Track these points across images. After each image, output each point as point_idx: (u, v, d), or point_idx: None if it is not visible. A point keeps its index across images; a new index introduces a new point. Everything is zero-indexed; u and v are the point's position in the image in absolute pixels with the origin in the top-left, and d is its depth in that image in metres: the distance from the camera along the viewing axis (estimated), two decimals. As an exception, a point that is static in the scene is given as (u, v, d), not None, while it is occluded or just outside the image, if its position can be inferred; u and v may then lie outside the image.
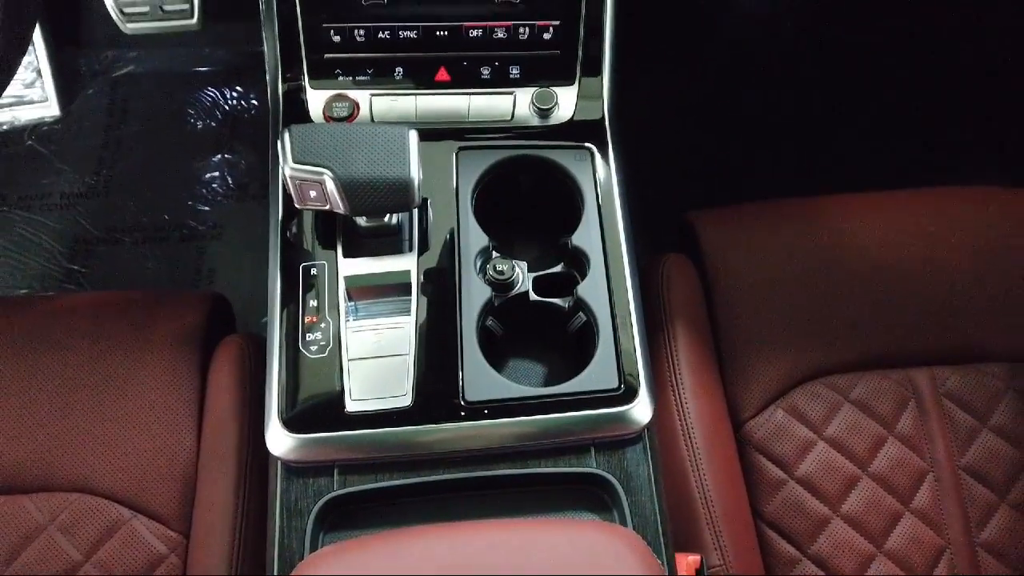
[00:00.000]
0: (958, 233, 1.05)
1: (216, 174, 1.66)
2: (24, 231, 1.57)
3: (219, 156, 1.66)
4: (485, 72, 0.89)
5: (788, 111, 1.69)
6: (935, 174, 1.52)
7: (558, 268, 0.83)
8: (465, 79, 0.89)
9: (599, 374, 0.76)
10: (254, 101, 1.74)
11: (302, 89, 0.90)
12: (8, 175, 1.63)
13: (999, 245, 1.04)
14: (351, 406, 0.74)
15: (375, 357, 0.76)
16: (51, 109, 1.69)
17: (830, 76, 1.72)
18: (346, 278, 0.79)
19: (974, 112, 1.67)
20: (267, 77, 0.92)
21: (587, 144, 0.88)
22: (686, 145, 1.65)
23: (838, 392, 0.97)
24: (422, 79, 0.89)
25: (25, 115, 1.68)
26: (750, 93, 1.71)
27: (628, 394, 0.75)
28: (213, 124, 1.72)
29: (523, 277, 0.81)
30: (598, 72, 0.89)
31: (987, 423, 0.97)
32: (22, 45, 0.67)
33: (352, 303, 0.79)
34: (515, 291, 0.80)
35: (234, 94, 1.74)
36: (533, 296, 0.81)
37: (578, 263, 0.82)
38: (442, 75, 0.90)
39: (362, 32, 0.89)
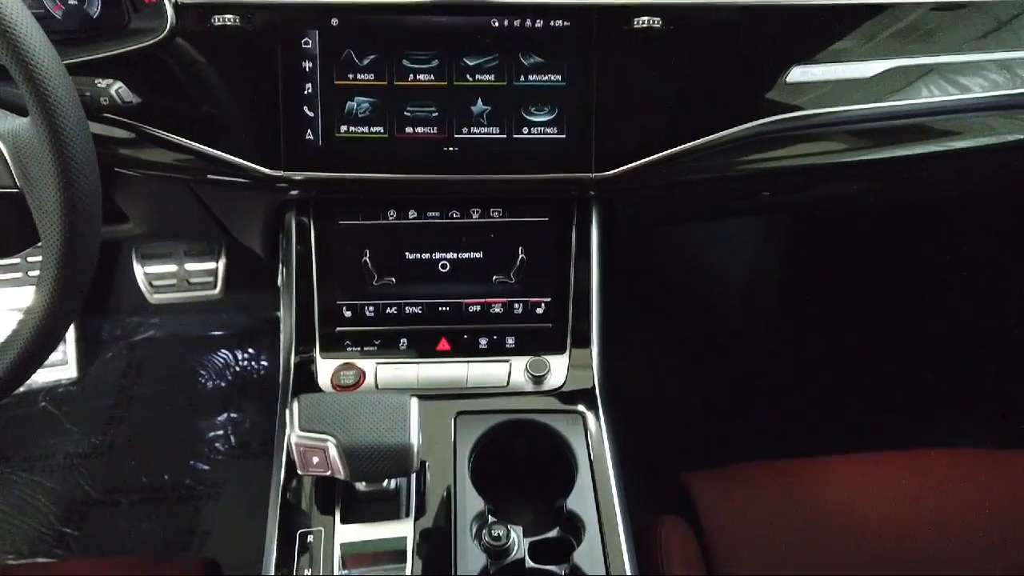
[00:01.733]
0: (954, 497, 1.06)
1: (220, 432, 1.70)
2: (23, 493, 1.58)
3: (225, 415, 1.71)
4: (483, 343, 0.97)
5: (775, 366, 1.77)
6: (922, 431, 1.56)
7: (554, 533, 0.84)
8: (464, 349, 0.97)
9: None
10: (264, 362, 1.83)
11: (313, 360, 0.96)
12: (17, 436, 1.66)
13: (997, 510, 1.05)
14: None
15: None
16: (69, 371, 1.77)
17: (812, 331, 1.82)
18: (342, 545, 0.80)
19: (959, 369, 1.74)
20: (281, 349, 0.99)
21: (579, 409, 0.93)
22: (678, 404, 1.71)
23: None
24: (424, 349, 0.97)
25: (43, 377, 1.76)
26: (738, 348, 1.81)
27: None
28: (223, 384, 1.79)
29: (519, 543, 0.81)
30: (587, 344, 0.97)
31: None
32: (71, 318, 0.75)
33: (347, 571, 0.79)
34: (511, 558, 0.80)
35: (245, 356, 1.83)
36: (529, 563, 0.80)
37: (574, 527, 0.83)
38: (443, 345, 0.97)
39: (371, 308, 0.98)
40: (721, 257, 1.93)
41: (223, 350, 1.84)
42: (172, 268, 1.65)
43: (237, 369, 1.80)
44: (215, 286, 1.67)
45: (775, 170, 1.00)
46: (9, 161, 0.69)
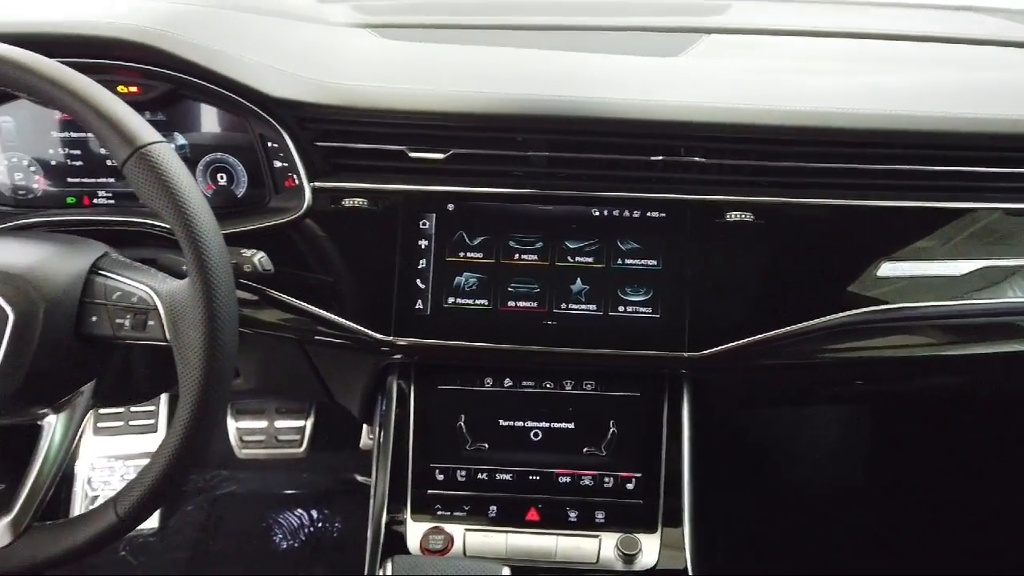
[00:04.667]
0: None
1: (287, 596, 1.67)
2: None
3: (298, 577, 1.70)
4: (572, 515, 0.97)
5: (867, 552, 1.67)
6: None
7: None
8: (554, 521, 0.97)
9: None
10: (338, 524, 1.82)
11: (403, 521, 0.98)
12: (95, 587, 1.68)
13: None
14: None
15: None
16: (151, 522, 1.80)
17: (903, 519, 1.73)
18: None
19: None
20: (371, 508, 1.01)
21: (672, 592, 0.91)
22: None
23: None
24: (514, 518, 0.97)
25: (126, 526, 1.79)
26: (828, 523, 1.72)
27: None
28: (295, 544, 1.78)
29: None
30: (679, 523, 0.96)
31: None
32: (195, 464, 0.80)
33: None
34: None
35: (321, 517, 1.83)
36: None
37: None
38: (532, 515, 0.98)
39: (463, 472, 1.00)
40: (807, 439, 1.88)
41: (299, 509, 1.85)
42: (263, 424, 1.71)
43: (311, 530, 1.80)
44: (301, 444, 1.72)
45: (863, 360, 1.02)
46: (163, 318, 0.78)
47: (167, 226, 0.97)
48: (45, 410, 0.81)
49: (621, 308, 0.97)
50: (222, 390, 0.77)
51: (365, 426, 1.73)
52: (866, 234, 0.97)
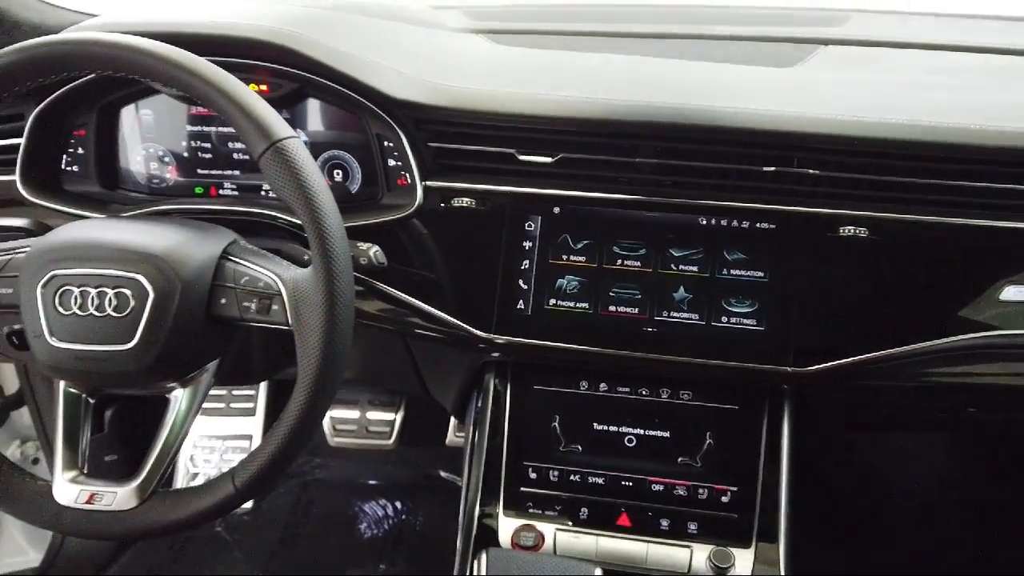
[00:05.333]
0: None
1: (369, 583, 1.72)
2: (188, 611, 1.65)
3: (379, 566, 1.74)
4: (664, 523, 0.97)
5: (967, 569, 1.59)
6: None
7: None
8: (645, 527, 0.97)
9: None
10: (420, 518, 1.87)
11: (495, 516, 1.00)
12: (192, 556, 1.77)
13: None
14: None
15: None
16: (247, 503, 1.89)
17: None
18: None
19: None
20: (464, 502, 1.03)
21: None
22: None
23: None
24: (605, 521, 0.98)
25: (226, 502, 1.88)
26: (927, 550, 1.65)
27: None
28: (378, 533, 1.83)
29: None
30: (774, 539, 0.94)
31: None
32: (306, 444, 0.84)
33: None
34: None
35: (404, 509, 1.88)
36: None
37: None
38: (623, 520, 0.98)
39: (556, 473, 1.01)
40: (910, 462, 1.81)
41: (384, 500, 1.90)
42: (355, 415, 1.77)
43: (395, 520, 1.85)
44: (390, 436, 1.77)
45: (979, 387, 0.98)
46: (287, 303, 0.82)
47: (286, 218, 1.03)
48: (173, 384, 0.87)
49: (724, 319, 0.96)
50: (337, 373, 0.80)
51: (452, 423, 1.77)
52: (989, 255, 0.93)
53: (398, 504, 1.89)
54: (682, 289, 0.98)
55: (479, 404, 1.08)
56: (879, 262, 0.94)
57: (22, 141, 1.05)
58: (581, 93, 0.99)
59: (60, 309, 0.82)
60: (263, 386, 1.83)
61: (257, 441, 1.75)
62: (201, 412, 0.89)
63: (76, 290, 0.81)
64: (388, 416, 1.77)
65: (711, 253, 0.97)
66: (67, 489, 0.84)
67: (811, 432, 1.05)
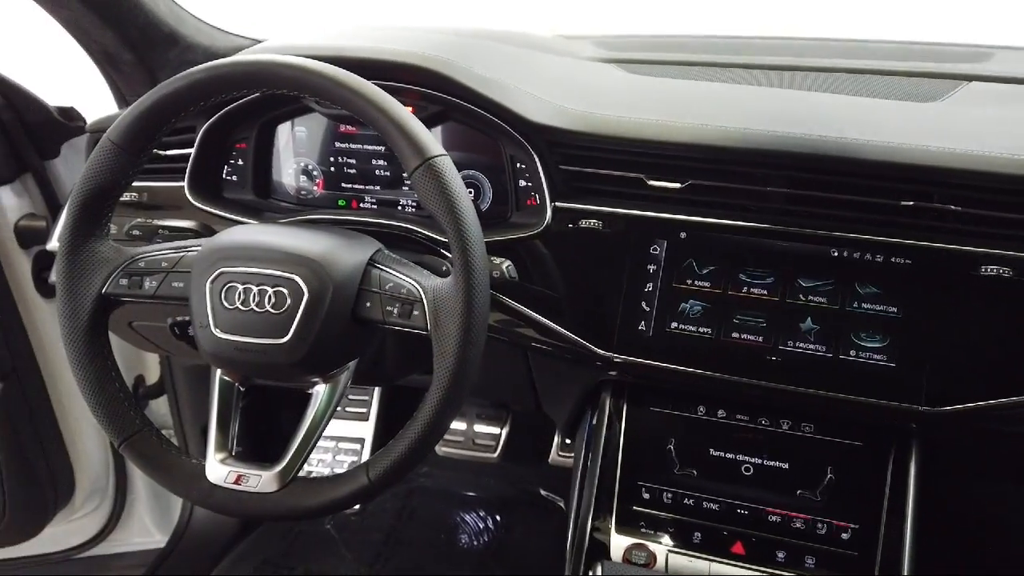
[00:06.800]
0: None
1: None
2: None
3: (480, 576, 1.78)
4: (780, 555, 0.96)
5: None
6: None
7: None
8: (760, 557, 0.96)
9: None
10: (518, 535, 1.89)
11: (607, 532, 1.01)
12: (301, 549, 1.85)
13: None
14: None
15: None
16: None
17: None
18: None
19: None
20: (576, 517, 1.05)
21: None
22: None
23: None
24: (719, 548, 0.98)
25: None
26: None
27: None
28: (476, 545, 1.87)
29: None
30: (900, 583, 0.92)
31: None
32: (433, 445, 0.88)
33: None
34: None
35: (503, 524, 1.91)
36: None
37: None
38: (738, 548, 0.97)
39: (670, 495, 1.02)
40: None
41: (482, 511, 1.94)
42: (463, 427, 1.82)
43: (494, 533, 1.88)
44: (495, 450, 1.81)
45: None
46: (427, 309, 0.87)
47: (422, 231, 1.09)
48: (316, 379, 0.93)
49: (853, 352, 0.95)
50: (470, 378, 0.84)
51: (555, 442, 1.79)
52: None
53: (498, 517, 1.92)
54: (809, 320, 0.97)
55: (593, 421, 1.10)
56: (1022, 303, 0.91)
57: (192, 152, 1.15)
58: (713, 122, 1.01)
59: (225, 303, 0.90)
60: (376, 393, 1.91)
61: (369, 445, 1.83)
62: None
63: (240, 286, 0.89)
64: (494, 430, 1.81)
65: (842, 285, 0.96)
66: (218, 469, 0.92)
67: (938, 476, 1.01)
